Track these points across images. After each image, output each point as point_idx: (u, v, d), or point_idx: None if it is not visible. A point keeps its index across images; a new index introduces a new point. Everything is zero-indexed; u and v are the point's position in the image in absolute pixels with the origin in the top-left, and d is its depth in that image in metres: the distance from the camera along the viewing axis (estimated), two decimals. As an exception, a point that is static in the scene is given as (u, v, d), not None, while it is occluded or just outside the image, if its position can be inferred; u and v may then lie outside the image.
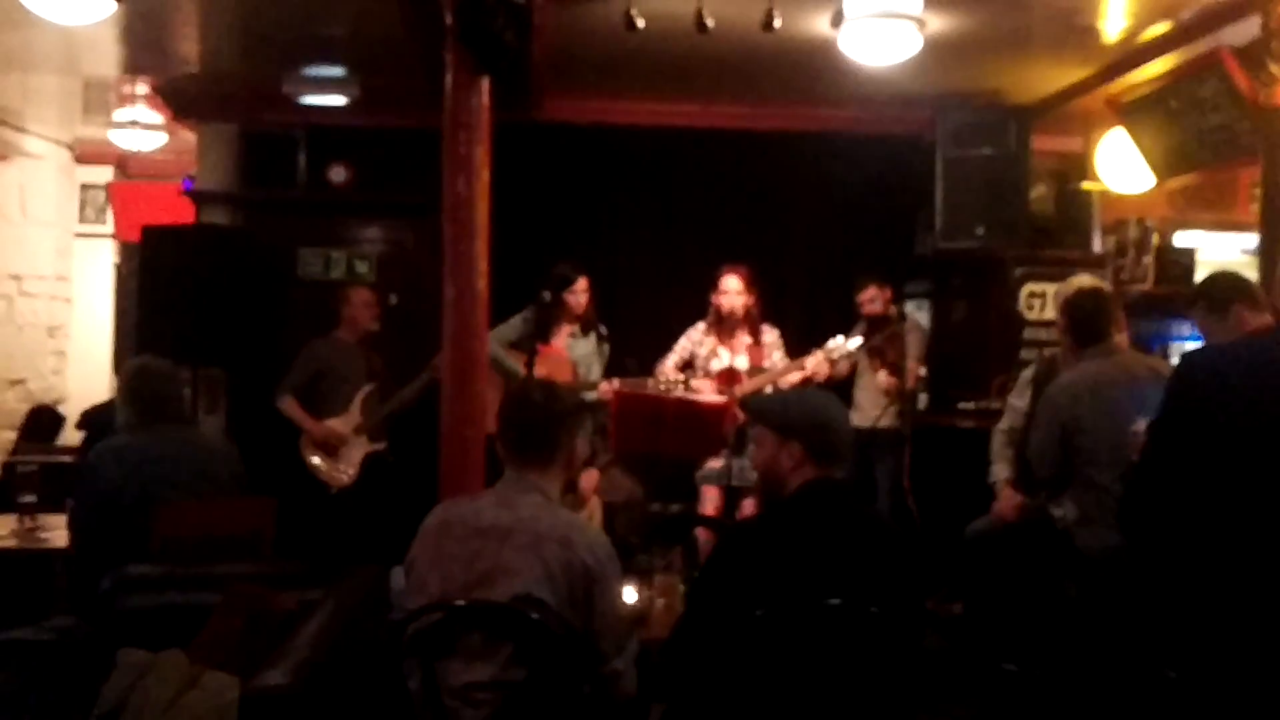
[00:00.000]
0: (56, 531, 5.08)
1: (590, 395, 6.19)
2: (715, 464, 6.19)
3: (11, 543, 5.14)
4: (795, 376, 6.26)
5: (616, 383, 6.24)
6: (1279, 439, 2.72)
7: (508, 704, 2.99)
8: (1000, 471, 5.38)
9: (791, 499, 3.13)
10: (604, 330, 6.58)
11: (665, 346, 6.61)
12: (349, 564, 4.31)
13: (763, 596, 2.89)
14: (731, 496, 5.94)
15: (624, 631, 3.19)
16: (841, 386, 6.77)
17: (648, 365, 6.41)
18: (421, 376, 6.44)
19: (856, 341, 6.34)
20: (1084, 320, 4.65)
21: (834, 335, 6.37)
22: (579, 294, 6.44)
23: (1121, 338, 4.69)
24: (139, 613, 3.83)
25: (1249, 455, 2.76)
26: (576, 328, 6.52)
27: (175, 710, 3.03)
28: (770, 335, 6.54)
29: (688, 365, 6.60)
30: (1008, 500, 5.22)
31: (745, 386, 6.25)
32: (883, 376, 6.87)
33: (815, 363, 6.24)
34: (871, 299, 6.96)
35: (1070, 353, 4.83)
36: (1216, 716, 2.73)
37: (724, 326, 6.51)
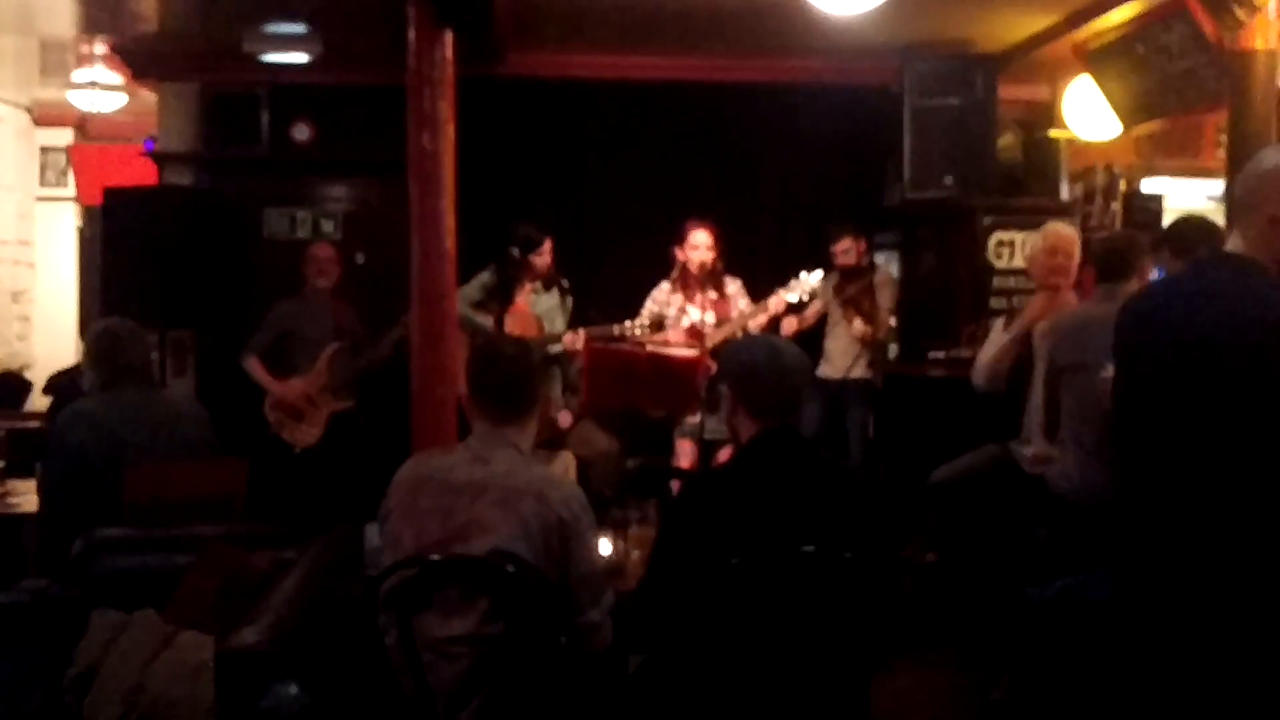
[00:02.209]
0: (26, 496, 5.06)
1: (555, 347, 6.19)
2: (694, 419, 6.20)
3: (-20, 508, 5.12)
4: (761, 319, 6.27)
5: (582, 333, 6.25)
6: (1180, 369, 2.77)
7: (484, 658, 2.99)
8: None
9: (745, 448, 3.15)
10: (565, 283, 6.56)
11: (633, 300, 6.57)
12: (318, 523, 4.30)
13: (721, 543, 2.91)
14: (706, 450, 5.95)
15: (600, 584, 3.20)
16: (812, 338, 6.78)
17: (615, 319, 6.39)
18: (390, 334, 6.42)
19: (817, 275, 6.34)
20: (1106, 257, 4.65)
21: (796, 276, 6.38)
22: (544, 255, 6.43)
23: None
24: (111, 576, 3.80)
25: (1160, 388, 2.82)
26: (538, 284, 6.51)
27: (151, 670, 3.03)
28: (733, 286, 6.53)
29: (657, 324, 6.58)
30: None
31: (714, 337, 6.25)
32: (858, 324, 6.85)
33: (776, 302, 6.25)
34: (846, 250, 6.95)
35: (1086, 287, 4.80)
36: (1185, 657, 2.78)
37: (689, 282, 6.48)
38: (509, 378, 3.24)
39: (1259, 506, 2.65)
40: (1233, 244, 2.86)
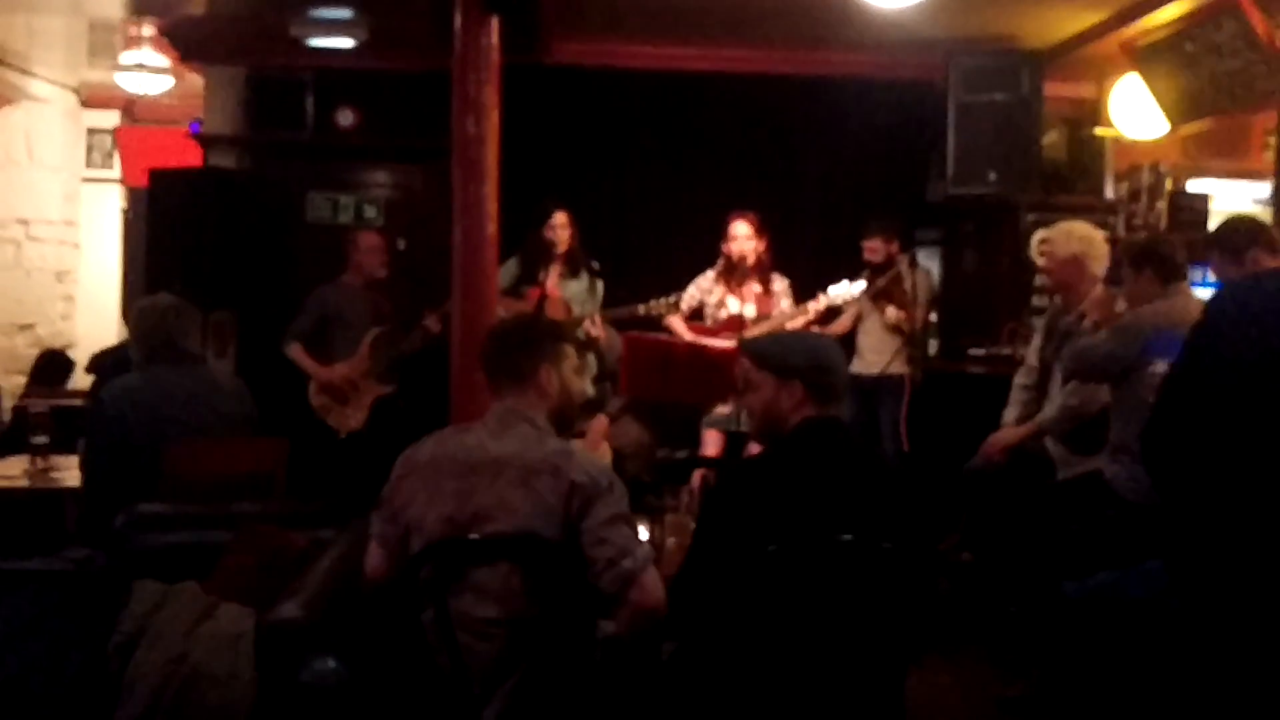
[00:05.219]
0: (68, 471, 5.09)
1: (579, 334, 6.22)
2: (723, 410, 6.19)
3: (24, 483, 5.17)
4: (799, 322, 6.25)
5: (598, 318, 6.26)
6: (1264, 369, 2.69)
7: (519, 638, 3.00)
8: (1009, 415, 5.38)
9: (791, 435, 3.15)
10: (595, 265, 6.55)
11: (671, 289, 6.57)
12: (356, 504, 4.31)
13: (767, 531, 2.90)
14: (736, 441, 5.94)
15: (630, 534, 3.06)
16: (844, 337, 6.75)
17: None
18: (428, 320, 6.45)
19: (860, 286, 6.33)
20: (1171, 257, 4.61)
21: (841, 281, 6.37)
22: (556, 229, 6.42)
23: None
24: (151, 551, 3.83)
25: (1262, 390, 2.75)
26: (565, 269, 6.50)
27: (192, 638, 3.05)
28: (779, 284, 6.51)
29: (696, 313, 6.58)
30: (1000, 439, 5.24)
31: (753, 331, 6.23)
32: (891, 312, 6.78)
33: (818, 307, 6.24)
34: (874, 249, 6.90)
35: (1144, 288, 4.73)
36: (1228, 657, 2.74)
37: (733, 274, 6.48)
38: (497, 348, 3.28)
39: None
40: None
